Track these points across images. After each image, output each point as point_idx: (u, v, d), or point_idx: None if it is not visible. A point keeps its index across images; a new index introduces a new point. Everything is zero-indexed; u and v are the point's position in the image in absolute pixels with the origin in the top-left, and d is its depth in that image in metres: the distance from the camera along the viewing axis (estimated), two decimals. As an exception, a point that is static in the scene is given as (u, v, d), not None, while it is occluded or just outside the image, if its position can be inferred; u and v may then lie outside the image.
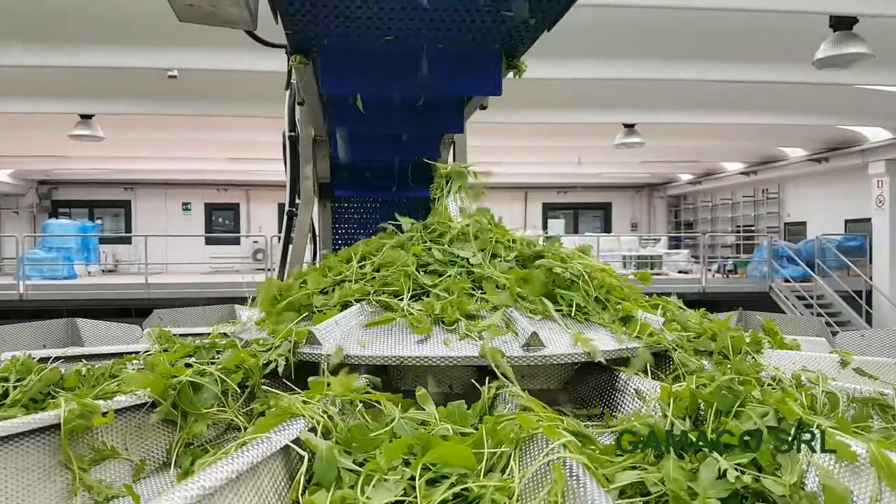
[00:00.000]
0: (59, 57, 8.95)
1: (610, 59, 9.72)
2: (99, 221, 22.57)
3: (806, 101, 12.26)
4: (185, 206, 23.49)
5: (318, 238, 4.67)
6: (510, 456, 1.18)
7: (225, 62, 9.22)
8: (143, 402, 1.44)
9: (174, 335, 2.56)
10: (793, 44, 8.85)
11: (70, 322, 2.64)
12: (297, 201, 4.23)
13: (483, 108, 3.58)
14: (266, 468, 1.09)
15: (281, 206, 4.51)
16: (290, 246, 4.28)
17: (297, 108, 4.16)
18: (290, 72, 4.17)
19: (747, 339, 2.04)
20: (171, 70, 9.83)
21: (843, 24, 7.79)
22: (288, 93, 4.32)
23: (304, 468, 1.14)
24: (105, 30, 8.53)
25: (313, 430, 1.23)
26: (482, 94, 3.25)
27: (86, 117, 12.58)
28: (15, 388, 1.52)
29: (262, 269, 18.02)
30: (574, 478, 1.01)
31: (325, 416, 1.27)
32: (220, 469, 0.97)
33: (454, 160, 4.18)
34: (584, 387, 1.86)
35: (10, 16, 8.05)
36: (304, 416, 1.25)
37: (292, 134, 4.25)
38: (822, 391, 1.59)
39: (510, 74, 2.96)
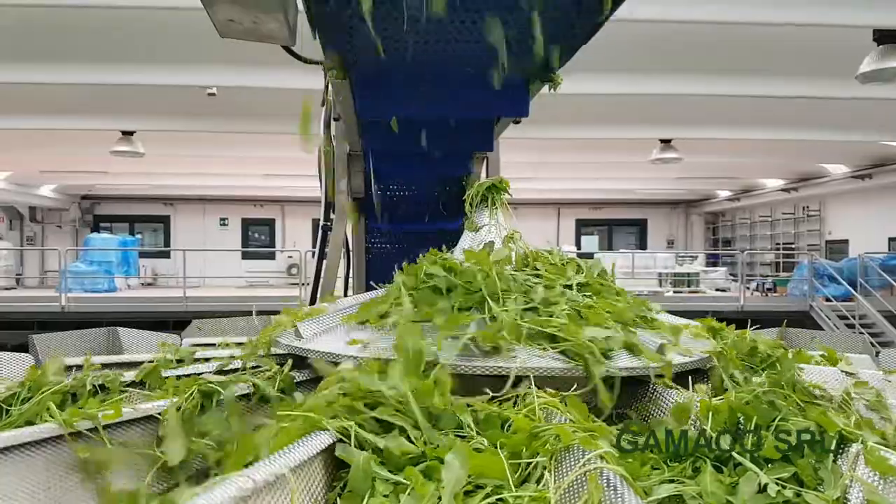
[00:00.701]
0: (101, 75, 9.22)
1: (647, 73, 9.65)
2: (139, 236, 23.09)
3: (848, 117, 11.99)
4: (223, 222, 23.93)
5: (351, 253, 4.71)
6: (545, 467, 1.16)
7: (263, 80, 9.40)
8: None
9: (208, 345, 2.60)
10: (835, 58, 8.68)
11: (112, 331, 2.70)
12: (332, 216, 4.27)
13: (516, 122, 3.58)
14: (303, 472, 1.09)
15: (315, 221, 4.56)
16: (325, 260, 4.33)
17: (333, 123, 4.23)
18: (326, 88, 4.24)
19: (789, 355, 1.99)
20: (211, 88, 10.05)
21: (887, 37, 7.63)
22: (324, 109, 4.38)
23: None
24: (146, 48, 8.76)
25: (344, 437, 1.23)
26: (510, 115, 3.31)
27: (127, 133, 12.91)
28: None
29: (296, 284, 18.20)
30: (612, 489, 0.99)
31: (356, 425, 1.27)
32: (258, 471, 0.97)
33: (487, 175, 4.20)
34: (618, 399, 1.82)
35: (54, 34, 8.32)
36: (331, 427, 1.24)
37: (327, 149, 4.31)
38: (868, 406, 1.54)
39: (545, 88, 2.97)
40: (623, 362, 1.73)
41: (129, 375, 1.83)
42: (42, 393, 1.52)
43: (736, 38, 8.50)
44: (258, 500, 0.96)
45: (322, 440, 1.18)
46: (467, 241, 2.69)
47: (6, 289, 18.61)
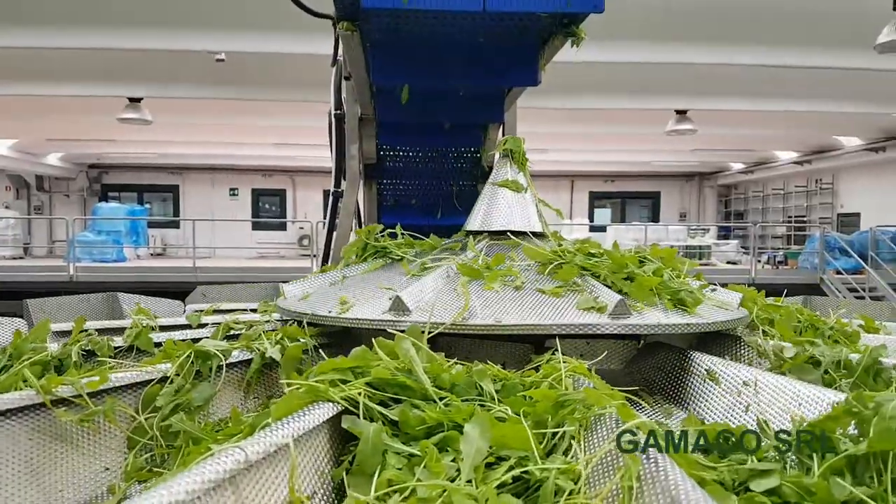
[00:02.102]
0: (107, 39, 9.07)
1: (662, 42, 9.43)
2: (148, 206, 23.03)
3: (864, 89, 11.74)
4: (233, 192, 23.81)
5: (363, 220, 4.60)
6: (573, 437, 1.06)
7: (272, 45, 9.23)
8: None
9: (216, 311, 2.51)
10: (853, 28, 8.45)
11: (111, 296, 2.61)
12: (343, 182, 4.16)
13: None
14: (305, 445, 0.99)
15: (326, 192, 4.45)
16: (335, 228, 4.22)
17: (344, 84, 4.09)
18: (336, 48, 4.10)
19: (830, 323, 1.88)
20: (219, 53, 9.88)
21: (907, 6, 7.37)
22: (334, 70, 4.25)
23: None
24: (153, 11, 8.60)
25: (352, 407, 1.12)
26: (521, 85, 3.22)
27: (134, 101, 12.76)
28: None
29: (308, 255, 18.15)
30: (652, 462, 0.89)
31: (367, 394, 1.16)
32: (254, 443, 0.88)
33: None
34: (647, 367, 1.73)
35: (61, 1, 8.18)
36: (336, 397, 1.14)
37: (338, 112, 4.17)
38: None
39: (568, 44, 2.82)
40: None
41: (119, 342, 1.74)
42: (22, 362, 1.43)
43: (753, 8, 8.28)
44: (254, 476, 0.87)
45: (326, 410, 1.08)
46: (486, 197, 2.57)
47: (14, 258, 18.65)
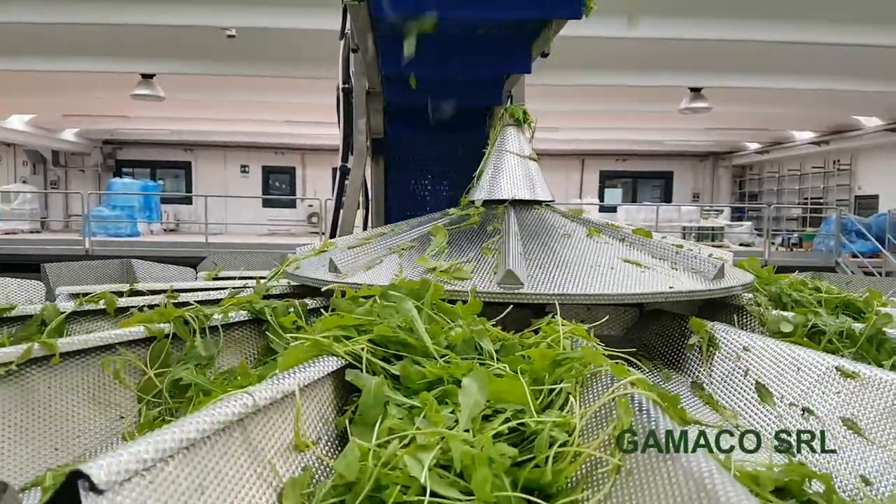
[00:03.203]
0: (119, 15, 9.09)
1: (675, 17, 9.31)
2: (161, 182, 23.17)
3: (885, 67, 11.53)
4: (244, 169, 23.90)
5: (370, 196, 4.61)
6: (570, 393, 1.09)
7: (283, 21, 9.21)
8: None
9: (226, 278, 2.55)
10: (874, 3, 8.29)
11: (126, 263, 2.67)
12: (350, 157, 4.17)
13: (544, 55, 3.44)
14: (310, 394, 1.03)
15: (335, 170, 4.46)
16: (343, 203, 4.23)
17: (352, 57, 4.08)
18: (343, 21, 4.09)
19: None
20: (230, 29, 9.87)
21: (935, -23, 7.24)
22: (342, 43, 4.23)
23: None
24: (166, -13, 8.60)
25: (356, 362, 1.16)
26: (514, 72, 3.32)
27: (147, 77, 12.81)
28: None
29: (317, 233, 18.24)
30: (644, 413, 0.91)
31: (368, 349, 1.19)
32: (261, 389, 0.91)
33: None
34: (648, 333, 1.75)
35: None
36: (340, 352, 1.17)
37: (346, 86, 4.17)
38: None
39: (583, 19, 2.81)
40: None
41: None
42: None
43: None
44: (261, 420, 0.90)
45: (331, 363, 1.11)
46: (491, 165, 2.57)
47: (32, 232, 18.87)
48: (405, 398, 1.07)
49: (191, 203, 22.28)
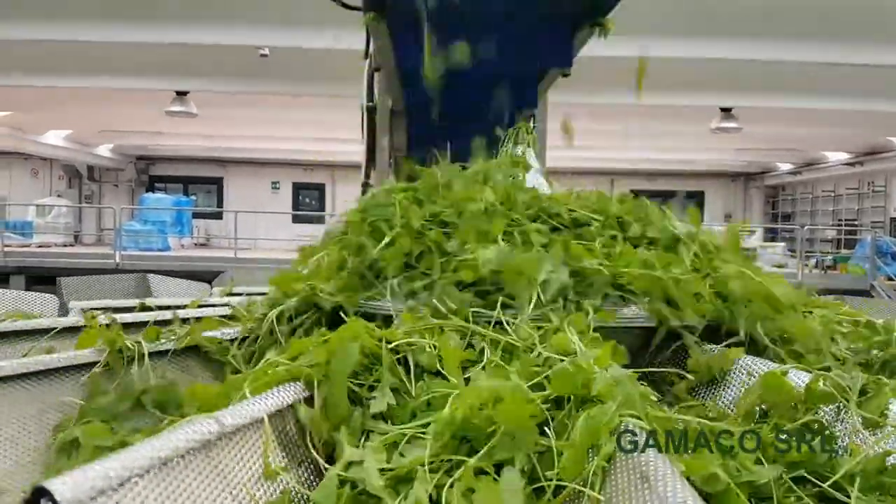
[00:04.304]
0: (155, 34, 9.31)
1: (708, 37, 9.23)
2: (193, 197, 23.56)
3: (921, 87, 11.29)
4: (274, 185, 24.24)
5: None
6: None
7: (314, 41, 9.35)
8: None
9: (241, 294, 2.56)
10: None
11: (141, 277, 2.69)
12: (373, 173, 4.20)
13: (565, 75, 3.41)
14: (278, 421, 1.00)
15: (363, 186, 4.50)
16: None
17: (376, 76, 4.12)
18: (368, 41, 4.13)
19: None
20: (263, 48, 10.06)
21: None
22: (367, 62, 4.28)
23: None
24: (201, 8, 8.80)
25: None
26: (554, 66, 3.15)
27: (181, 94, 13.08)
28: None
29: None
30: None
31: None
32: (228, 414, 0.89)
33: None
34: (659, 356, 1.69)
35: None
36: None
37: (370, 104, 4.21)
38: None
39: (595, 35, 2.80)
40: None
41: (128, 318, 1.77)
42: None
43: (804, 2, 8.03)
44: (225, 448, 0.88)
45: (298, 390, 1.07)
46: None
47: (65, 245, 19.28)
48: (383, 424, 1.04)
49: (221, 218, 22.59)
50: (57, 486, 0.68)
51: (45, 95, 13.59)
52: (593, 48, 2.73)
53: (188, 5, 8.76)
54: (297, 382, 1.07)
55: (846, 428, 1.20)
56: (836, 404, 1.21)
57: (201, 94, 13.18)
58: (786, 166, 22.51)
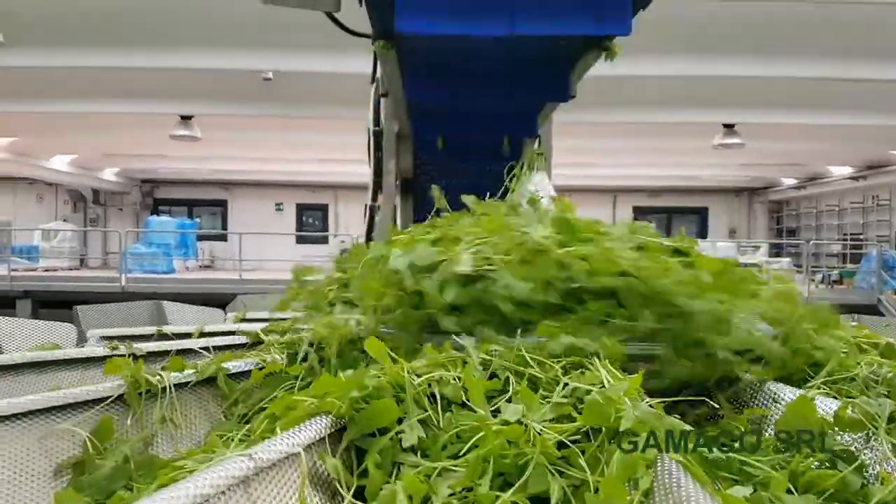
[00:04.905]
0: (159, 58, 9.42)
1: (709, 54, 9.29)
2: (197, 219, 23.64)
3: (924, 101, 11.33)
4: (278, 206, 24.34)
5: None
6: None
7: (317, 64, 9.45)
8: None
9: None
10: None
11: (156, 304, 2.70)
12: (380, 196, 4.22)
13: (571, 97, 3.45)
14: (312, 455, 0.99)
15: (367, 207, 4.54)
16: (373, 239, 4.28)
17: (382, 101, 4.16)
18: (374, 66, 4.18)
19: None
20: (267, 72, 10.16)
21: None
22: (373, 87, 4.32)
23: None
24: (204, 33, 8.89)
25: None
26: (553, 100, 3.26)
27: (185, 118, 13.19)
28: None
29: (349, 268, 18.29)
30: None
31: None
32: (262, 450, 0.90)
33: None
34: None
35: (113, 19, 8.52)
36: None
37: (376, 128, 4.25)
38: None
39: (602, 58, 2.82)
40: None
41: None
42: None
43: (802, 18, 8.09)
44: (261, 483, 0.88)
45: (327, 423, 1.07)
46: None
47: (71, 269, 19.32)
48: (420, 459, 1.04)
49: (226, 240, 22.67)
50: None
51: (50, 121, 13.70)
52: (597, 69, 2.76)
53: (192, 31, 8.86)
54: (327, 416, 1.07)
55: (875, 456, 1.19)
56: (865, 432, 1.21)
57: (205, 118, 13.28)
58: (790, 181, 22.52)
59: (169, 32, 8.92)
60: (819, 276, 18.18)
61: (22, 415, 1.15)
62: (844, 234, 21.25)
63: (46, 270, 17.58)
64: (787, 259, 19.81)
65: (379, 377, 1.17)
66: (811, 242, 18.36)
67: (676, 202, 24.74)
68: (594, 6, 2.27)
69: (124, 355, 1.49)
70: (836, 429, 1.21)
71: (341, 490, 0.98)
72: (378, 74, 4.05)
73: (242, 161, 20.00)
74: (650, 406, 1.06)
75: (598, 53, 2.72)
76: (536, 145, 4.10)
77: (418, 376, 1.17)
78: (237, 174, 22.43)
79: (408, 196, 4.46)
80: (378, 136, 4.21)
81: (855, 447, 1.23)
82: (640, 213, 24.88)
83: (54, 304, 13.21)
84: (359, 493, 1.00)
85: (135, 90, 11.61)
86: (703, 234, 24.40)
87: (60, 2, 7.99)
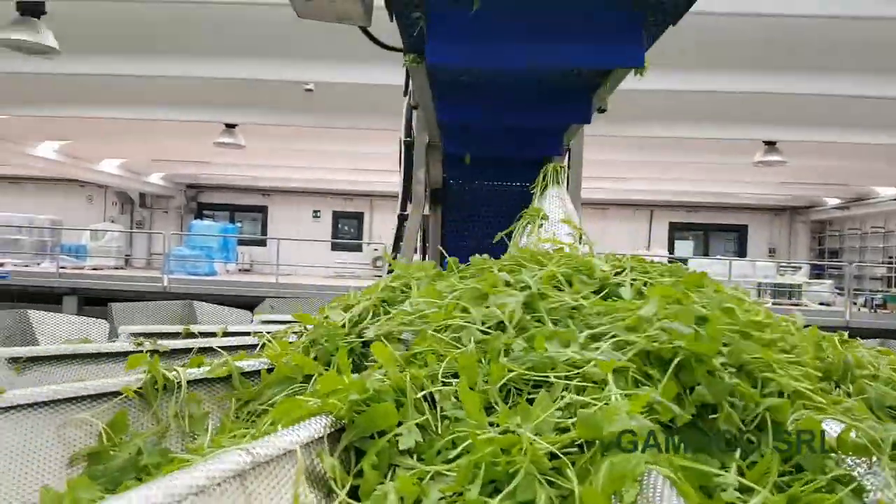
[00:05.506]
0: (206, 68, 9.68)
1: (752, 70, 9.17)
2: (239, 224, 24.15)
3: (975, 120, 10.98)
4: (316, 214, 24.71)
5: (428, 241, 4.70)
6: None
7: (357, 76, 9.60)
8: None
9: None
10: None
11: (188, 304, 2.78)
12: (409, 206, 4.29)
13: (601, 111, 3.48)
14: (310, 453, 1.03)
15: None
16: (400, 248, 4.34)
17: (414, 113, 4.23)
18: (407, 78, 4.26)
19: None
20: (309, 84, 10.37)
21: None
22: (406, 99, 4.40)
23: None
24: (249, 44, 9.11)
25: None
26: (573, 122, 3.40)
27: (230, 126, 13.51)
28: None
29: (380, 276, 18.48)
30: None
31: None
32: (259, 446, 0.94)
33: (569, 167, 4.11)
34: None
35: (162, 29, 8.80)
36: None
37: (407, 139, 4.32)
38: None
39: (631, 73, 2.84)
40: None
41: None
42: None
43: (849, 35, 7.93)
44: (258, 478, 0.92)
45: (327, 423, 1.11)
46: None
47: (116, 268, 19.89)
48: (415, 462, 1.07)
49: (265, 245, 23.10)
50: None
51: (102, 126, 14.17)
52: (636, 82, 2.79)
53: (237, 42, 9.09)
54: (328, 416, 1.11)
55: (879, 481, 1.18)
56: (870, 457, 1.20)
57: (249, 127, 13.60)
58: (833, 201, 21.97)
59: (215, 43, 9.17)
60: (861, 300, 17.66)
61: (43, 404, 1.22)
62: (890, 257, 20.62)
63: (93, 269, 18.12)
64: (829, 281, 19.32)
65: (384, 380, 1.21)
66: (854, 264, 17.85)
67: (714, 219, 24.32)
68: (608, 40, 2.39)
69: (144, 351, 1.55)
70: (839, 452, 1.21)
71: (335, 488, 1.02)
72: (411, 87, 4.13)
73: (283, 169, 20.39)
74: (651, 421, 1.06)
75: (626, 70, 2.76)
76: (566, 161, 4.14)
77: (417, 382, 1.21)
78: (277, 181, 22.87)
79: (437, 206, 4.51)
80: (409, 146, 4.29)
81: (857, 472, 1.22)
82: (676, 229, 24.53)
83: (99, 302, 13.60)
84: (355, 493, 1.04)
85: (182, 98, 11.95)
86: (741, 252, 23.94)
87: (112, 13, 8.28)
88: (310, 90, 10.58)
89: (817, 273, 21.63)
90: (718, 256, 21.84)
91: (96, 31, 8.80)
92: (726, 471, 1.09)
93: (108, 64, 9.68)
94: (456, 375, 1.25)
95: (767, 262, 20.56)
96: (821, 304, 17.38)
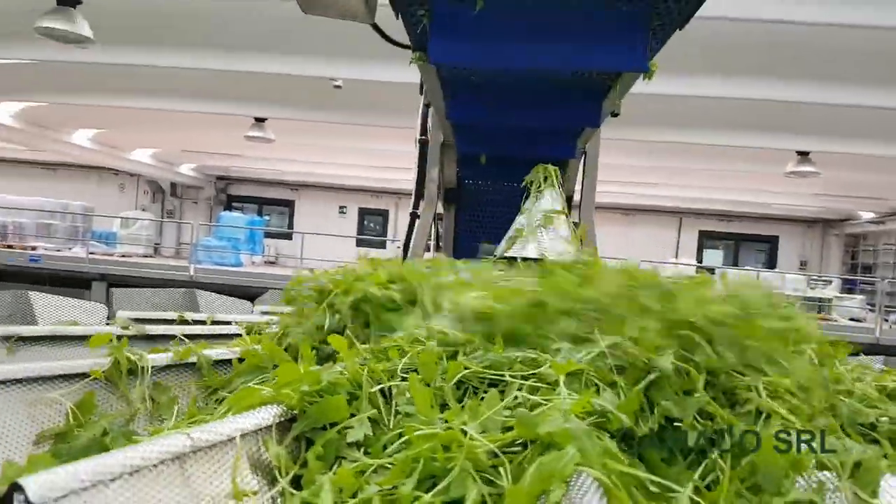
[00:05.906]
0: (238, 62, 9.82)
1: (786, 79, 8.99)
2: (266, 217, 24.43)
3: None
4: (342, 209, 24.90)
5: (440, 242, 4.72)
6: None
7: (385, 74, 9.64)
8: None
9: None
10: None
11: (190, 292, 2.83)
12: (422, 204, 4.30)
13: (615, 115, 3.46)
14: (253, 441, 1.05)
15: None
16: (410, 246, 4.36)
17: (429, 111, 4.25)
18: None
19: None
20: (337, 80, 10.45)
21: None
22: (422, 97, 4.42)
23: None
24: (279, 40, 9.23)
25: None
26: (583, 125, 3.34)
27: (259, 120, 13.69)
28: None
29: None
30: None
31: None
32: (201, 431, 0.96)
33: (584, 172, 4.09)
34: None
35: (198, 22, 8.94)
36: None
37: (422, 138, 4.34)
38: None
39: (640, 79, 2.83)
40: None
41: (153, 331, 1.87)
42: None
43: (885, 46, 7.74)
44: (198, 462, 0.94)
45: (277, 412, 1.13)
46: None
47: (145, 256, 20.25)
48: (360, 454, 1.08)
49: (291, 238, 23.34)
50: (29, 483, 0.75)
51: (135, 116, 14.45)
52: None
53: (269, 38, 9.21)
54: (280, 406, 1.13)
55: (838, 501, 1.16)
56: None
57: (278, 121, 13.75)
58: (868, 214, 21.44)
59: (246, 37, 9.29)
60: (894, 317, 17.22)
61: (15, 381, 1.26)
62: (925, 274, 20.08)
63: (123, 256, 18.47)
64: (861, 296, 18.87)
65: (342, 373, 1.23)
66: (886, 281, 17.40)
67: (745, 229, 23.91)
68: (610, 43, 2.36)
69: (114, 336, 1.58)
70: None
71: (278, 476, 1.03)
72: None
73: (311, 164, 20.57)
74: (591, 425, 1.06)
75: (635, 75, 2.74)
76: (582, 164, 4.12)
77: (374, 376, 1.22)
78: (305, 176, 23.08)
79: (451, 205, 4.52)
80: (424, 144, 4.30)
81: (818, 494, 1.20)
82: (706, 237, 24.17)
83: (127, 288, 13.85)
84: (299, 482, 1.06)
85: (213, 91, 12.12)
86: (772, 264, 23.51)
87: (147, 4, 8.45)
88: (338, 86, 10.67)
89: (849, 288, 21.14)
90: (747, 267, 21.48)
91: (130, 22, 8.98)
92: (682, 486, 1.07)
93: (141, 55, 9.87)
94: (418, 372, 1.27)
95: (798, 275, 20.16)
96: (851, 319, 16.98)
